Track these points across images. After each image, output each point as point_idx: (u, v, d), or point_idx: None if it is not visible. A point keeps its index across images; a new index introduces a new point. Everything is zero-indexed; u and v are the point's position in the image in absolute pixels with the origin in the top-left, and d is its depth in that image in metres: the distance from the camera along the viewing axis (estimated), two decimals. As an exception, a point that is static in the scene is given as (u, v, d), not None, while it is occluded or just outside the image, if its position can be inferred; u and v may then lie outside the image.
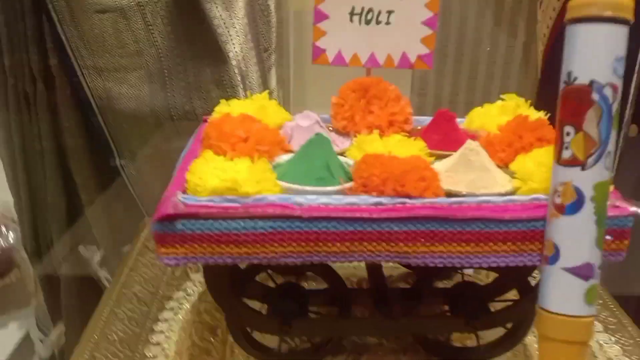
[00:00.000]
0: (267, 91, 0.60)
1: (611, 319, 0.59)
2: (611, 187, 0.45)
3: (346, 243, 0.42)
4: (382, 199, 0.42)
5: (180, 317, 0.57)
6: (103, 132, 0.90)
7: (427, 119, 0.59)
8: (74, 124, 0.91)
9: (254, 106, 0.55)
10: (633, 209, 0.42)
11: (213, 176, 0.42)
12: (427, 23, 0.58)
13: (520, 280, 0.48)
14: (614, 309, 0.61)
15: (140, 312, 0.57)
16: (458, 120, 0.59)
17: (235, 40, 0.90)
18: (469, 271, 0.63)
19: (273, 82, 1.12)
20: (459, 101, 1.30)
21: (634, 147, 1.02)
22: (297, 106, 1.26)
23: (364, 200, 0.42)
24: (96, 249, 0.93)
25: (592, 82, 0.37)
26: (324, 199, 0.42)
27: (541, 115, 0.53)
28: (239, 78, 0.92)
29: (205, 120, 0.57)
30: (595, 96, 0.37)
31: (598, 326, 0.58)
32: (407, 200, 0.42)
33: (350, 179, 0.45)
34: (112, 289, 0.60)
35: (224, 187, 0.41)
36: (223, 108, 0.55)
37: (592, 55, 0.38)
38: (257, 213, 0.40)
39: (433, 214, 0.41)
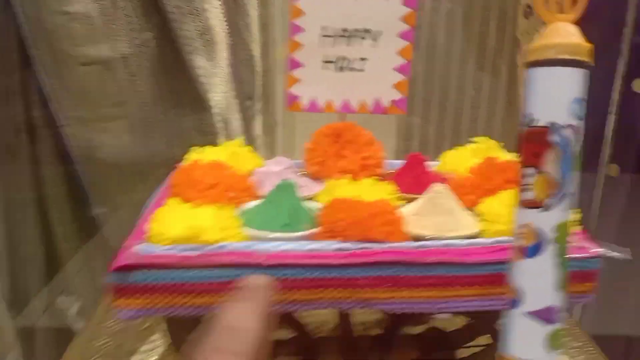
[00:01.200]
0: (241, 138, 0.61)
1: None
2: (578, 228, 0.45)
3: (309, 290, 0.41)
4: (345, 245, 0.42)
5: (147, 372, 0.56)
6: (82, 181, 0.90)
7: (399, 163, 0.59)
8: (55, 174, 0.91)
9: (226, 152, 0.55)
10: (599, 250, 0.41)
11: (175, 224, 0.41)
12: (400, 69, 0.59)
13: (491, 325, 0.46)
14: (593, 352, 0.59)
15: (106, 366, 0.56)
16: (433, 163, 0.59)
17: (218, 88, 0.91)
18: (445, 315, 0.61)
19: (258, 128, 1.13)
20: (445, 145, 1.31)
21: (616, 187, 1.02)
22: (286, 151, 1.26)
23: (328, 245, 0.42)
24: (74, 300, 0.91)
25: (551, 124, 0.37)
26: (287, 246, 0.41)
27: (512, 157, 0.53)
28: (221, 125, 0.92)
29: (175, 167, 0.56)
30: (554, 138, 0.37)
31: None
32: (371, 245, 0.42)
33: (316, 225, 0.45)
34: (76, 343, 0.59)
35: (186, 236, 0.41)
36: (194, 155, 0.55)
37: (551, 98, 0.38)
38: (215, 261, 0.40)
39: (396, 259, 0.41)
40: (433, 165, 0.60)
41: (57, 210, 0.90)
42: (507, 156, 0.54)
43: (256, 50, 1.07)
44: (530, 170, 0.39)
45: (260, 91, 1.11)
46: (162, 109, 0.90)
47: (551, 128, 0.38)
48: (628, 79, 0.95)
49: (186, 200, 0.46)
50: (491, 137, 0.60)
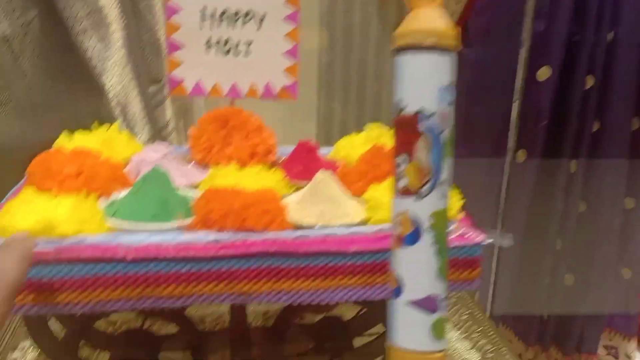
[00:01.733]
0: (117, 122, 0.57)
1: (489, 346, 0.58)
2: (459, 215, 0.44)
3: (180, 285, 0.38)
4: (221, 235, 0.39)
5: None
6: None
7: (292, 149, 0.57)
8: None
9: (97, 139, 0.51)
10: (480, 237, 0.41)
11: (26, 216, 0.37)
12: (289, 53, 0.57)
13: (384, 314, 0.45)
14: (493, 336, 0.60)
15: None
16: (325, 150, 0.58)
17: (112, 71, 0.86)
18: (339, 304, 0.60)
19: (167, 113, 1.08)
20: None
21: (523, 172, 1.04)
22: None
23: (201, 237, 0.39)
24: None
25: (418, 112, 0.36)
26: (155, 238, 0.38)
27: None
28: (118, 110, 0.87)
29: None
30: (422, 125, 0.36)
31: (475, 355, 0.57)
32: (248, 235, 0.40)
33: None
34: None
35: (38, 228, 0.37)
36: (63, 141, 0.51)
37: (418, 84, 0.36)
38: (72, 256, 0.36)
39: (275, 249, 0.39)
40: (328, 152, 0.58)
41: None
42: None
43: (161, 32, 1.02)
44: (403, 158, 0.37)
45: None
46: (53, 93, 0.84)
47: (420, 115, 0.37)
48: (532, 67, 0.97)
49: (43, 190, 0.41)
50: None
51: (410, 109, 0.36)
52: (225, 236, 0.39)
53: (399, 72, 0.37)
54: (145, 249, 0.37)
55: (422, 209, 0.37)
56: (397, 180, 0.38)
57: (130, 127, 0.90)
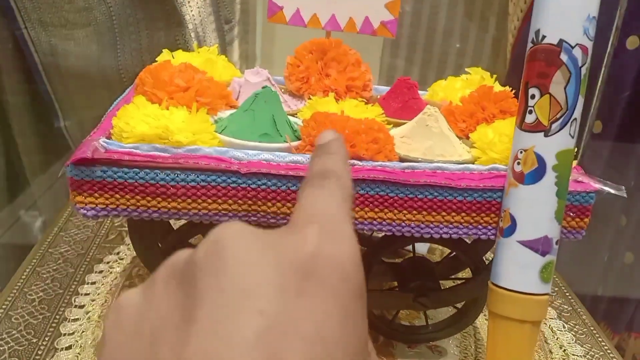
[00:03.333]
0: (216, 45, 0.56)
1: (565, 307, 0.57)
2: (575, 162, 0.43)
3: (287, 204, 0.38)
4: (330, 159, 0.39)
5: (109, 281, 0.52)
6: (47, 91, 0.84)
7: (388, 89, 0.55)
8: (15, 81, 0.85)
9: (200, 59, 0.51)
10: (596, 185, 0.39)
11: (142, 122, 0.37)
12: (393, -13, 0.55)
13: (474, 259, 0.44)
14: (569, 297, 0.59)
15: (66, 273, 0.53)
16: (420, 92, 0.56)
17: (193, 2, 0.85)
18: (422, 251, 0.59)
19: (235, 55, 1.07)
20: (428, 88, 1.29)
21: (597, 144, 1.01)
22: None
23: (309, 159, 0.38)
24: (38, 215, 0.87)
25: (561, 42, 0.34)
26: (266, 155, 0.38)
27: (506, 89, 0.50)
28: (195, 42, 0.87)
29: (148, 72, 0.52)
30: (563, 57, 0.34)
31: (552, 312, 0.56)
32: (356, 162, 0.39)
33: (298, 138, 0.42)
34: (37, 249, 0.55)
35: (154, 134, 0.37)
36: (165, 57, 0.50)
37: (562, 14, 0.35)
38: (189, 165, 0.36)
39: (383, 178, 0.38)
40: (422, 95, 0.56)
41: (19, 120, 0.84)
42: (502, 88, 0.51)
43: (236, -28, 1.01)
44: (535, 91, 0.36)
45: (238, 16, 1.06)
46: (132, 20, 0.84)
47: (561, 46, 0.35)
48: (623, 35, 0.93)
49: (154, 101, 0.41)
50: None
51: (551, 38, 0.35)
52: (334, 160, 0.39)
53: (542, 0, 0.35)
54: (257, 164, 0.37)
55: (550, 146, 0.36)
56: (524, 113, 0.36)
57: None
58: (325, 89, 0.52)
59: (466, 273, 0.49)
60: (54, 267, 0.53)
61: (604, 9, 1.00)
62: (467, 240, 0.43)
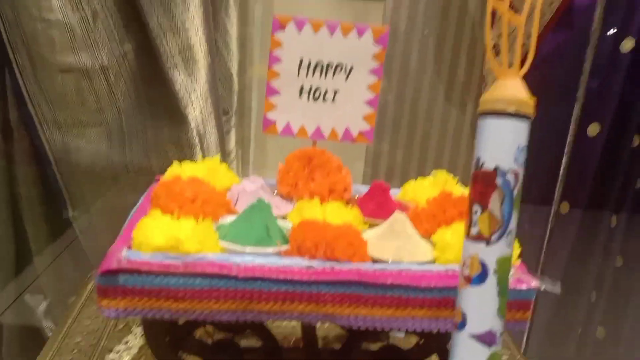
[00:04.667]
0: (219, 154, 0.64)
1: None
2: (517, 262, 0.51)
3: (278, 303, 0.45)
4: (314, 262, 0.46)
5: (119, 369, 0.59)
6: (58, 183, 0.92)
7: (366, 188, 0.64)
8: (29, 174, 0.92)
9: (204, 169, 0.59)
10: (535, 283, 0.47)
11: (158, 234, 0.45)
12: (369, 103, 0.64)
13: (439, 346, 0.51)
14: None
15: (81, 362, 0.59)
16: (394, 190, 0.64)
17: (196, 104, 0.94)
18: (401, 334, 0.66)
19: (232, 142, 1.16)
20: (411, 172, 1.36)
21: (565, 223, 1.09)
22: (256, 163, 1.30)
23: (297, 263, 0.46)
24: (42, 299, 0.93)
25: (496, 168, 0.43)
26: (260, 260, 0.46)
27: (465, 191, 0.58)
28: (197, 139, 0.96)
29: (158, 180, 0.60)
30: (499, 180, 0.43)
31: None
32: (335, 264, 0.47)
33: (288, 242, 0.50)
34: (54, 339, 0.62)
35: (167, 245, 0.45)
36: (175, 169, 0.59)
37: (498, 145, 0.43)
38: (196, 271, 0.44)
39: (358, 279, 0.45)
40: (395, 193, 0.65)
41: (29, 210, 0.92)
42: (462, 190, 0.59)
43: (234, 67, 1.11)
44: (477, 207, 0.44)
45: (236, 107, 1.15)
46: (140, 120, 0.93)
47: (497, 172, 0.43)
48: (583, 122, 1.03)
49: (167, 212, 0.49)
50: (456, 168, 0.64)
51: (488, 165, 0.43)
52: (317, 263, 0.46)
53: (481, 133, 0.44)
54: (253, 269, 0.45)
55: (491, 254, 0.43)
56: (470, 226, 0.44)
57: (205, 154, 0.98)
58: (311, 192, 0.60)
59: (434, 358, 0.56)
60: (69, 358, 0.59)
61: (564, 97, 1.10)
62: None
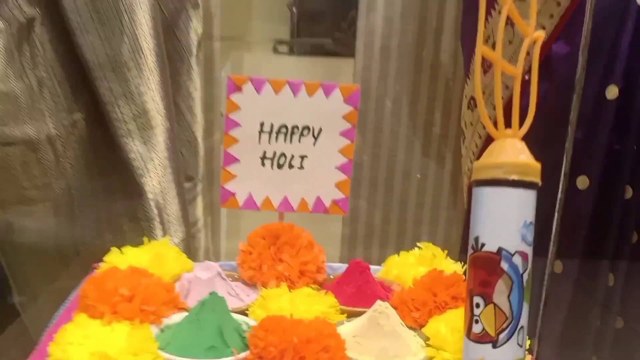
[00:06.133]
0: (167, 238, 0.56)
1: None
2: (530, 358, 0.42)
3: None
4: (279, 375, 0.37)
5: None
6: (1, 267, 0.83)
7: (342, 267, 0.55)
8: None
9: (149, 254, 0.50)
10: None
11: (80, 347, 0.36)
12: (342, 168, 0.57)
13: None
14: None
15: None
16: (375, 267, 0.56)
17: (153, 173, 0.86)
18: None
19: (198, 211, 1.08)
20: (391, 230, 1.29)
21: (561, 283, 1.01)
22: (230, 231, 1.22)
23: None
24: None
25: (500, 250, 0.35)
26: (211, 375, 0.36)
27: (457, 268, 0.50)
28: (155, 212, 0.87)
29: (95, 269, 0.51)
30: (504, 265, 0.34)
31: None
32: (305, 377, 0.37)
33: (247, 347, 0.40)
34: None
35: (92, 363, 0.35)
36: (113, 258, 0.50)
37: (500, 221, 0.35)
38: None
39: (336, 394, 0.36)
40: (376, 270, 0.56)
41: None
42: (452, 266, 0.51)
43: (199, 131, 1.04)
44: (479, 300, 0.35)
45: (202, 172, 1.07)
46: (90, 193, 0.85)
47: (501, 254, 0.35)
48: (572, 175, 0.97)
49: (96, 316, 0.40)
50: (437, 224, 0.56)
51: (490, 246, 0.35)
52: (283, 375, 0.37)
53: (479, 206, 0.36)
54: (201, 388, 0.35)
55: (500, 358, 0.35)
56: (471, 322, 0.36)
57: (165, 228, 0.89)
58: (278, 276, 0.51)
59: None
60: None
61: (551, 150, 1.05)
62: None
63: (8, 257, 0.84)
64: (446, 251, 0.54)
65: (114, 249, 0.51)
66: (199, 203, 1.09)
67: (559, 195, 0.95)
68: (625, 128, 0.96)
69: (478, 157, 1.15)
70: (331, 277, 0.54)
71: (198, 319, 0.40)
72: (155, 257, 0.50)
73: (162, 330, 0.41)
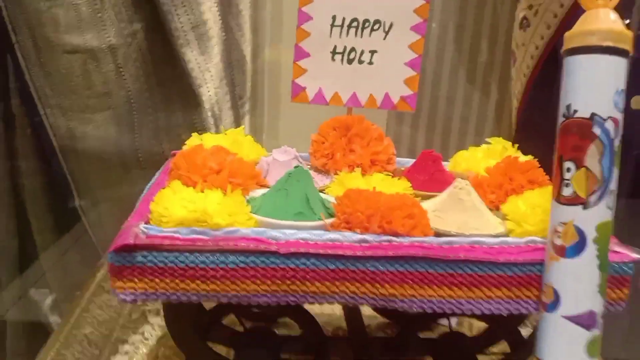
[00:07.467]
0: (242, 127, 0.57)
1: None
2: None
3: (326, 283, 0.38)
4: (367, 236, 0.39)
5: (136, 363, 0.51)
6: (63, 172, 0.86)
7: (410, 161, 0.56)
8: (32, 164, 0.86)
9: (228, 140, 0.52)
10: (634, 255, 0.39)
11: (180, 206, 0.38)
12: (411, 64, 0.57)
13: (510, 331, 0.44)
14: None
15: (91, 355, 0.52)
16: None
17: (210, 84, 0.87)
18: (452, 322, 0.59)
19: (246, 129, 1.10)
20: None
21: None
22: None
23: (348, 237, 0.39)
24: (48, 293, 0.86)
25: (593, 116, 0.35)
26: (303, 234, 0.38)
27: (530, 158, 0.51)
28: (211, 122, 0.89)
29: (174, 155, 0.53)
30: (596, 130, 0.35)
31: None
32: (393, 238, 0.39)
33: (331, 215, 0.42)
34: (61, 330, 0.54)
35: (192, 218, 0.37)
36: (194, 141, 0.51)
37: (593, 88, 0.36)
38: (228, 247, 0.36)
39: (422, 254, 0.38)
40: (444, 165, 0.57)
41: (33, 202, 0.85)
42: (525, 157, 0.51)
43: (247, 50, 1.04)
44: (570, 164, 0.36)
45: (249, 92, 1.08)
46: (150, 102, 0.86)
47: (593, 119, 0.36)
48: (628, 95, 0.95)
49: (189, 184, 0.42)
50: None
51: (583, 112, 0.36)
52: (371, 237, 0.39)
53: (571, 75, 0.37)
54: (295, 243, 0.37)
55: (589, 219, 0.36)
56: (561, 187, 0.37)
57: (221, 138, 0.91)
58: (350, 164, 0.52)
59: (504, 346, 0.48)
60: (79, 349, 0.52)
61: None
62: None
63: (69, 164, 0.87)
64: (517, 145, 0.55)
65: (194, 135, 0.53)
66: (247, 122, 1.10)
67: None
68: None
69: (530, 79, 1.13)
70: (401, 168, 0.55)
71: (285, 188, 0.42)
72: (233, 142, 0.52)
73: (249, 201, 0.43)
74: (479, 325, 0.53)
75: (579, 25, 0.37)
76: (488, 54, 1.22)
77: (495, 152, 0.54)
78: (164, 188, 0.42)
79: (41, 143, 0.85)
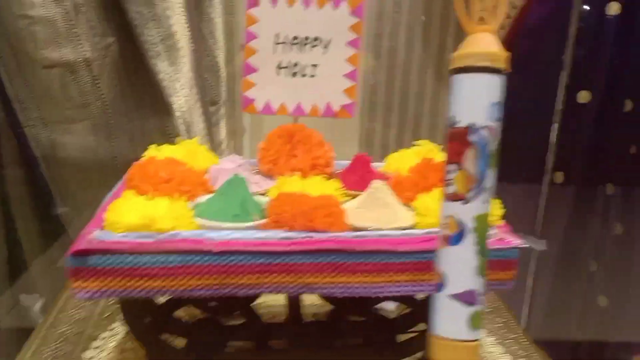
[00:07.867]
0: (196, 137, 0.64)
1: (521, 352, 0.62)
2: (501, 222, 0.50)
3: (255, 275, 0.44)
4: (291, 234, 0.45)
5: (104, 356, 0.58)
6: (45, 180, 0.92)
7: (347, 163, 0.63)
8: (17, 174, 0.92)
9: (182, 150, 0.59)
10: (517, 241, 0.46)
11: (130, 213, 0.44)
12: (349, 76, 0.63)
13: (425, 313, 0.50)
14: (525, 343, 0.64)
15: (65, 351, 0.58)
16: (380, 164, 0.64)
17: (180, 92, 0.93)
18: (391, 306, 0.65)
19: (222, 133, 1.15)
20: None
21: (561, 192, 1.07)
22: (253, 154, 1.28)
23: (274, 234, 0.45)
24: (38, 297, 0.93)
25: (469, 125, 0.42)
26: (236, 234, 0.45)
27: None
28: (183, 128, 0.95)
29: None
30: (472, 137, 0.42)
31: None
32: (314, 234, 0.46)
33: (265, 216, 0.49)
34: (40, 329, 0.61)
35: (140, 224, 0.44)
36: (152, 152, 0.58)
37: (471, 101, 0.42)
38: (169, 247, 0.43)
39: (336, 247, 0.45)
40: (379, 166, 0.64)
41: (19, 210, 0.91)
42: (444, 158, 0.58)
43: (220, 56, 1.09)
44: (453, 167, 0.43)
45: (225, 97, 1.14)
46: (124, 111, 0.92)
47: (470, 128, 0.42)
48: (572, 90, 1.01)
49: (141, 193, 0.49)
50: None
51: (462, 122, 0.42)
52: (295, 234, 0.46)
53: (455, 90, 0.43)
54: (228, 243, 0.44)
55: (467, 212, 0.42)
56: (447, 186, 0.43)
57: (193, 143, 0.97)
58: (292, 169, 0.59)
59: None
60: (55, 346, 0.59)
61: (550, 68, 1.08)
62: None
63: (51, 172, 0.93)
64: (441, 146, 0.61)
65: (152, 147, 0.60)
66: (223, 126, 1.16)
67: (556, 107, 1.01)
68: (626, 44, 1.00)
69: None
70: (339, 170, 0.62)
71: (224, 194, 0.49)
72: (187, 152, 0.59)
73: (194, 206, 0.50)
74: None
75: (462, 48, 0.43)
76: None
77: (422, 153, 0.61)
78: (118, 198, 0.48)
79: (25, 154, 0.91)
